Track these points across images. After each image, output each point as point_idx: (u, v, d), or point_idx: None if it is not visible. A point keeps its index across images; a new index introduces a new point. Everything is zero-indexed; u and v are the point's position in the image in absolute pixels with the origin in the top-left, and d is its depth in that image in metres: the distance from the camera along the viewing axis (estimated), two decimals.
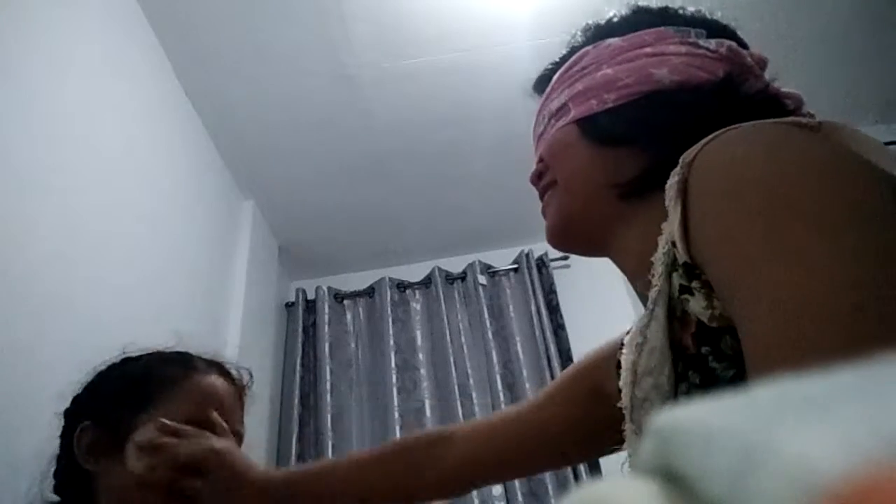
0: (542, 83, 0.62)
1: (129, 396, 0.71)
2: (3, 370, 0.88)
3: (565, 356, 2.19)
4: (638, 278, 0.52)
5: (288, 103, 1.81)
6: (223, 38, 1.61)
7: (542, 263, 2.40)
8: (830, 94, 2.01)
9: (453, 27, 1.67)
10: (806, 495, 0.10)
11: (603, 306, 2.32)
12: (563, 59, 0.60)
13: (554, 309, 2.30)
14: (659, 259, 0.45)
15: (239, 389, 0.79)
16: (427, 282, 2.41)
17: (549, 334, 2.20)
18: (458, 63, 1.77)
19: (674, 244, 0.42)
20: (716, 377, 0.41)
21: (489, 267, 2.43)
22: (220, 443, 0.67)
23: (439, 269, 2.41)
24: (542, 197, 0.61)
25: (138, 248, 1.34)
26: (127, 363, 0.77)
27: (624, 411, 0.54)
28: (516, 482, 1.95)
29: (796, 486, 0.10)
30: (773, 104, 0.50)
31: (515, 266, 2.42)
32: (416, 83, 1.81)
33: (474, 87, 1.84)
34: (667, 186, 0.42)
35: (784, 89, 0.52)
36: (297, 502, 0.70)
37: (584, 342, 2.18)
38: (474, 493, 1.93)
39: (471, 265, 2.41)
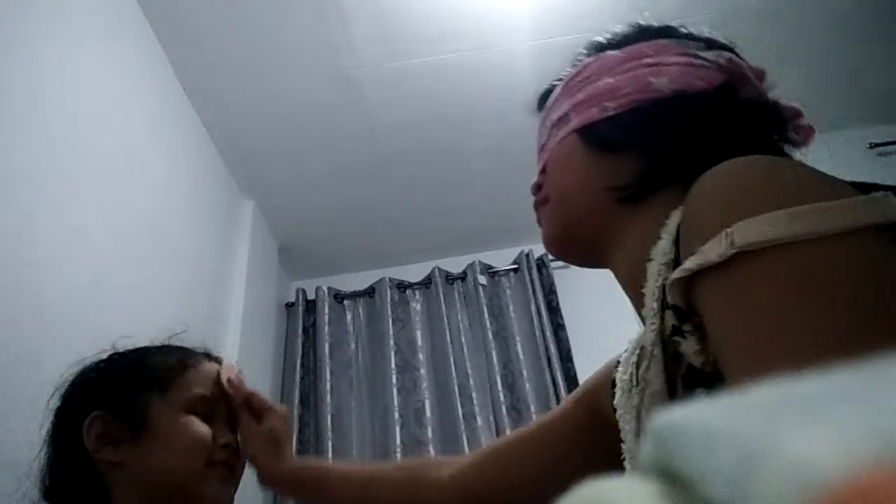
0: (543, 100, 0.64)
1: (143, 383, 0.71)
2: (2, 370, 0.88)
3: (565, 356, 2.19)
4: (629, 289, 0.52)
5: (288, 104, 1.81)
6: (223, 39, 1.61)
7: (542, 264, 2.40)
8: (833, 82, 1.98)
9: (453, 27, 1.67)
10: (806, 495, 0.10)
11: (603, 306, 2.31)
12: (565, 75, 0.62)
13: (554, 309, 2.30)
14: (650, 293, 0.44)
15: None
16: (427, 282, 2.41)
17: (549, 334, 2.20)
18: (457, 63, 1.77)
19: (666, 280, 0.41)
20: None
21: (489, 267, 2.43)
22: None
23: (439, 269, 2.41)
24: (535, 208, 0.63)
25: (138, 248, 1.34)
26: (121, 357, 0.76)
27: (623, 443, 0.54)
28: None
29: (796, 487, 0.10)
30: (770, 113, 0.52)
31: (515, 266, 2.42)
32: (416, 83, 1.81)
33: (474, 87, 1.84)
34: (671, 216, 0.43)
35: (782, 101, 0.53)
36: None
37: (584, 342, 2.21)
38: None
39: (471, 265, 2.41)
